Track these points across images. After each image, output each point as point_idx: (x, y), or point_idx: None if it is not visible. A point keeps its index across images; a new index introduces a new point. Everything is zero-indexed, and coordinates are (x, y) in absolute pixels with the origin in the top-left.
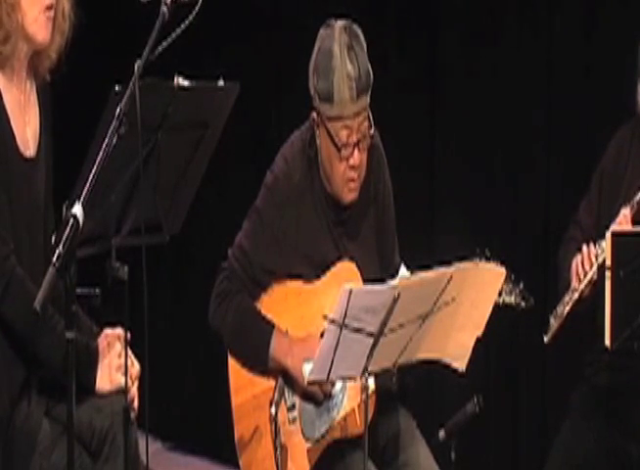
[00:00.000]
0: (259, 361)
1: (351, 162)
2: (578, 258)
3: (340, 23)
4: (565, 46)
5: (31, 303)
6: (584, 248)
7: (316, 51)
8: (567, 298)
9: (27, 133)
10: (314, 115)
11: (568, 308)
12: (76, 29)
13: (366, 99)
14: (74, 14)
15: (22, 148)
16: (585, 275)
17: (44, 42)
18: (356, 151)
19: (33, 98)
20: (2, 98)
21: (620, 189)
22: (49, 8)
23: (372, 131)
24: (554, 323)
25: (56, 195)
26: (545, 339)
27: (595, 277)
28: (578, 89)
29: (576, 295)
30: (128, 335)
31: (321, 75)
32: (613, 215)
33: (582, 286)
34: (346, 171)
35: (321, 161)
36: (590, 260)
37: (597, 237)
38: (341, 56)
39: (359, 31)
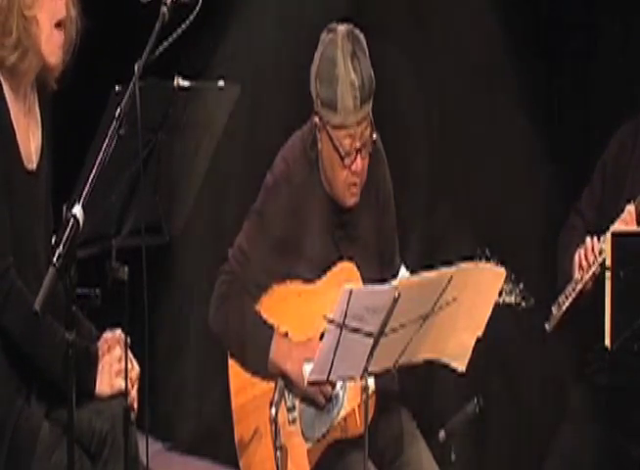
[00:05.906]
0: (259, 365)
1: (354, 168)
2: (581, 250)
3: (342, 29)
4: (565, 44)
5: (30, 315)
6: (588, 240)
7: (319, 57)
8: (569, 288)
9: (31, 146)
10: (316, 119)
11: (570, 300)
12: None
13: (369, 106)
14: (80, 19)
15: (25, 161)
16: (589, 268)
17: (56, 65)
18: (359, 157)
19: (36, 110)
20: (9, 113)
21: (624, 184)
22: (59, 25)
23: (374, 137)
24: (556, 312)
25: (56, 195)
26: (547, 327)
27: (598, 271)
28: (580, 89)
29: (579, 286)
30: (128, 337)
31: (324, 83)
32: (616, 210)
33: (586, 278)
34: (348, 177)
35: (322, 164)
36: (594, 254)
37: (599, 231)
38: (344, 64)
39: (361, 36)
